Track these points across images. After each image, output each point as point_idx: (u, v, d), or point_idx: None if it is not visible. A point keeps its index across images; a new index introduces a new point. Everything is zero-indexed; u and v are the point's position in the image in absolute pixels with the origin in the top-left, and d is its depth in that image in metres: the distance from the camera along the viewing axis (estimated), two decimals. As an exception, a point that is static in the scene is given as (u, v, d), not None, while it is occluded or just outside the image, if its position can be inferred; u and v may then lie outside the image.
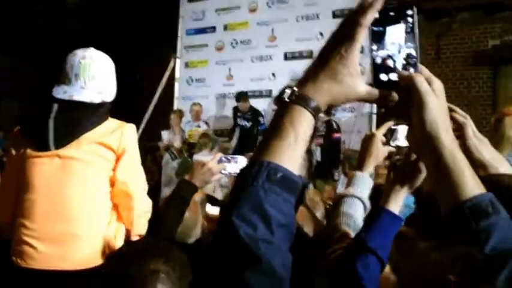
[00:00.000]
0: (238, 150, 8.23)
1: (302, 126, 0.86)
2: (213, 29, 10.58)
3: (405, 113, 0.94)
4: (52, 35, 11.62)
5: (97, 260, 2.37)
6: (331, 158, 7.64)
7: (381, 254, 1.49)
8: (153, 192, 5.40)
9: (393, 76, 0.91)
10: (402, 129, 1.76)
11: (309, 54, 9.00)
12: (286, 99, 0.88)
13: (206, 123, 9.63)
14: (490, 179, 1.31)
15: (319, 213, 2.87)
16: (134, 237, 2.51)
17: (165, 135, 9.24)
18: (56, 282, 2.33)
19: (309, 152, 7.52)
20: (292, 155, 0.85)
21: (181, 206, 2.43)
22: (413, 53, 0.92)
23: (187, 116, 9.59)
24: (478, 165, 1.47)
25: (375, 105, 7.69)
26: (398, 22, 0.92)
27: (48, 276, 2.33)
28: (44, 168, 2.40)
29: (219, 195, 6.17)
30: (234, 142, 9.19)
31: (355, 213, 1.80)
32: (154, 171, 8.85)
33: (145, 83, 11.17)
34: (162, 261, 1.52)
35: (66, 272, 2.33)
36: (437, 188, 0.94)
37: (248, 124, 9.13)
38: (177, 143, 8.92)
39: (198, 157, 7.27)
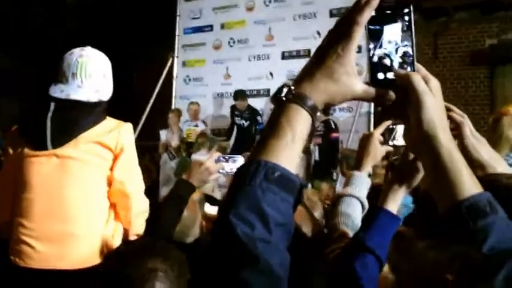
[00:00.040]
0: (236, 150, 8.22)
1: (299, 125, 0.86)
2: (210, 27, 10.58)
3: (402, 111, 0.93)
4: (52, 35, 11.61)
5: (95, 260, 2.37)
6: (329, 157, 7.63)
7: (379, 253, 1.49)
8: (151, 191, 5.41)
9: (390, 75, 0.91)
10: (400, 129, 1.76)
11: (307, 53, 9.01)
12: (283, 98, 0.88)
13: (204, 122, 9.61)
14: (487, 179, 1.31)
15: (318, 213, 2.87)
16: (132, 237, 2.51)
17: (163, 134, 9.22)
18: (54, 282, 2.33)
19: (308, 151, 7.55)
20: (289, 154, 0.85)
21: (179, 205, 2.42)
22: (410, 51, 0.92)
23: (185, 115, 9.58)
24: (476, 165, 1.47)
25: (373, 105, 7.69)
26: (395, 21, 0.92)
27: (47, 275, 2.33)
28: (42, 167, 2.40)
29: (218, 195, 6.17)
30: (231, 141, 9.18)
31: (354, 213, 1.80)
32: (152, 170, 8.85)
33: (143, 82, 11.15)
34: (160, 260, 1.52)
35: (64, 271, 2.33)
36: (435, 187, 0.94)
37: (246, 123, 9.12)
38: (175, 142, 8.91)
39: (196, 156, 7.26)
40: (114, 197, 2.47)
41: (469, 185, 0.89)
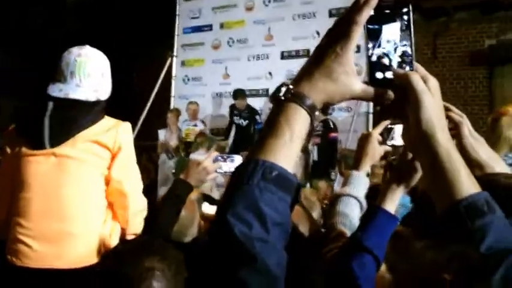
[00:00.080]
0: (235, 149, 8.23)
1: (297, 124, 0.86)
2: (209, 27, 10.58)
3: (401, 111, 0.93)
4: (52, 35, 11.60)
5: (92, 259, 2.37)
6: (328, 157, 7.63)
7: (377, 253, 1.49)
8: (150, 191, 5.41)
9: (389, 74, 0.91)
10: (398, 129, 1.76)
11: (306, 53, 9.01)
12: (282, 97, 0.87)
13: (203, 122, 9.61)
14: (486, 178, 1.31)
15: (316, 213, 2.87)
16: (129, 236, 2.51)
17: (161, 134, 9.23)
18: (51, 281, 2.32)
19: (306, 151, 7.55)
20: (287, 153, 0.85)
21: (177, 205, 2.42)
22: (409, 51, 0.92)
23: (184, 114, 9.58)
24: (474, 164, 1.47)
25: (371, 105, 7.71)
26: (394, 20, 0.91)
27: (44, 275, 2.32)
28: (40, 166, 2.39)
29: (216, 194, 6.17)
30: (230, 140, 9.18)
31: (351, 213, 1.80)
32: (150, 170, 8.85)
33: (142, 82, 11.15)
34: (157, 259, 1.52)
35: (61, 270, 2.33)
36: (433, 187, 0.94)
37: (245, 122, 9.12)
38: (174, 142, 8.92)
39: (194, 156, 7.26)
40: (111, 196, 2.47)
41: (467, 185, 0.89)
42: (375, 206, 1.57)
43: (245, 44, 10.14)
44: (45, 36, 11.73)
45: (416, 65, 0.92)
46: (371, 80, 0.91)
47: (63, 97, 2.39)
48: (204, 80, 10.51)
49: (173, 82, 10.74)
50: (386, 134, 1.83)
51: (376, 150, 1.84)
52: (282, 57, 9.69)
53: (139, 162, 2.61)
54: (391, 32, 0.91)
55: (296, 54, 9.38)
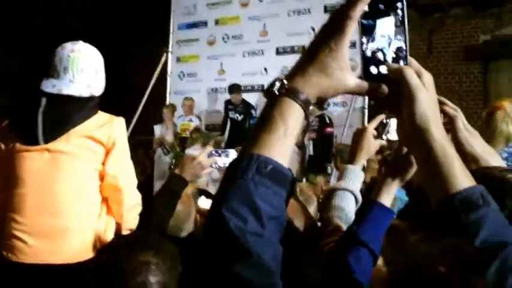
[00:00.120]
0: (230, 144, 8.23)
1: (292, 118, 0.86)
2: (204, 23, 10.57)
3: (395, 105, 0.93)
4: (52, 35, 11.56)
5: (87, 254, 2.37)
6: (324, 152, 7.65)
7: (373, 246, 1.49)
8: (145, 186, 5.40)
9: (383, 69, 0.91)
10: (394, 123, 1.77)
11: (301, 49, 8.99)
12: (276, 92, 0.87)
13: (198, 117, 9.62)
14: (481, 172, 1.31)
15: (313, 207, 2.87)
16: (124, 231, 2.51)
17: (157, 129, 9.23)
18: (46, 276, 2.32)
19: (302, 146, 7.56)
20: (282, 148, 0.85)
21: (172, 199, 2.42)
22: (403, 46, 0.92)
23: (179, 110, 9.58)
24: (469, 158, 1.47)
25: (367, 100, 7.72)
26: (388, 15, 0.91)
27: (39, 270, 2.32)
28: (34, 162, 2.39)
29: (212, 190, 6.17)
30: (226, 135, 9.19)
31: (347, 207, 1.80)
32: (146, 165, 8.85)
33: (137, 78, 11.12)
34: (152, 253, 1.53)
35: (56, 266, 2.33)
36: (428, 181, 0.94)
37: (240, 117, 9.13)
38: (170, 137, 8.92)
39: (190, 151, 7.26)
40: (106, 191, 2.47)
41: (462, 179, 0.89)
42: (371, 200, 1.58)
43: (240, 40, 10.13)
44: (45, 36, 11.68)
45: (411, 59, 0.92)
46: (365, 75, 0.91)
47: (57, 93, 2.39)
48: (200, 76, 10.51)
49: (168, 78, 10.74)
50: (382, 128, 1.83)
51: (371, 145, 1.84)
52: (277, 53, 9.69)
53: (134, 157, 2.61)
54: (386, 27, 0.91)
55: (291, 50, 9.38)
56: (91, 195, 2.44)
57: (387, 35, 0.91)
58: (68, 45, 2.46)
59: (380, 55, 0.91)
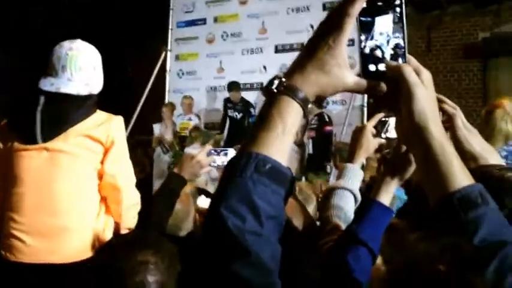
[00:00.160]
0: (229, 142, 8.23)
1: (290, 117, 0.85)
2: (203, 21, 10.54)
3: (394, 103, 0.93)
4: (52, 35, 11.55)
5: (86, 253, 2.37)
6: (323, 150, 7.65)
7: (372, 245, 1.49)
8: (144, 185, 5.39)
9: (382, 66, 0.91)
10: (393, 122, 1.76)
11: (300, 47, 8.90)
12: (274, 90, 0.87)
13: (197, 116, 9.61)
14: (480, 170, 1.31)
15: (312, 206, 2.87)
16: (123, 230, 2.51)
17: (156, 128, 9.21)
18: (45, 276, 2.32)
19: (302, 145, 7.55)
20: (280, 146, 0.85)
21: (171, 198, 2.42)
22: (402, 43, 0.91)
23: (178, 108, 9.57)
24: (468, 157, 1.47)
25: (366, 98, 7.71)
26: (386, 12, 0.91)
27: (37, 269, 2.32)
28: (32, 161, 2.38)
29: (211, 189, 6.17)
30: (225, 134, 9.18)
31: (346, 206, 1.80)
32: (146, 164, 8.84)
33: (136, 76, 11.12)
34: (150, 252, 1.52)
35: (55, 265, 2.33)
36: (426, 179, 0.94)
37: (239, 115, 9.12)
38: (169, 136, 8.91)
39: (189, 150, 7.26)
40: (105, 190, 2.46)
41: (461, 177, 0.89)
42: (370, 199, 1.57)
43: (239, 38, 10.11)
44: (45, 36, 11.67)
45: (409, 57, 0.92)
46: (364, 73, 0.91)
47: (55, 91, 2.38)
48: (199, 74, 10.49)
49: (167, 76, 10.71)
50: (381, 126, 1.83)
51: (370, 143, 1.84)
52: (276, 51, 9.67)
53: (133, 156, 2.60)
54: (384, 24, 0.91)
55: (290, 48, 9.36)
56: (90, 194, 2.44)
57: (386, 32, 0.91)
58: (66, 44, 2.46)
59: (378, 52, 0.91)
